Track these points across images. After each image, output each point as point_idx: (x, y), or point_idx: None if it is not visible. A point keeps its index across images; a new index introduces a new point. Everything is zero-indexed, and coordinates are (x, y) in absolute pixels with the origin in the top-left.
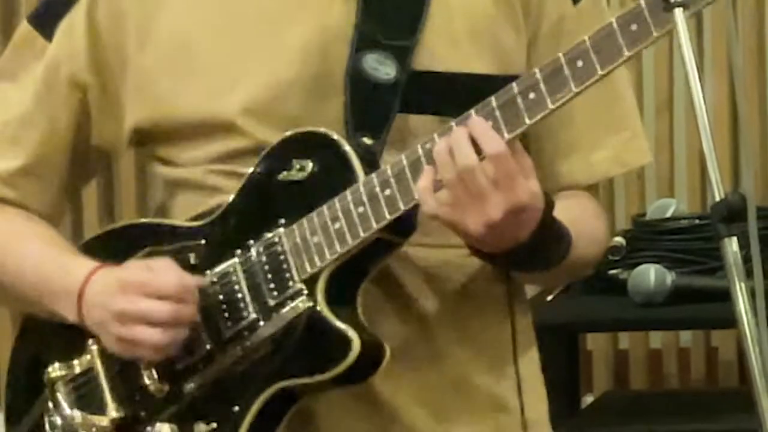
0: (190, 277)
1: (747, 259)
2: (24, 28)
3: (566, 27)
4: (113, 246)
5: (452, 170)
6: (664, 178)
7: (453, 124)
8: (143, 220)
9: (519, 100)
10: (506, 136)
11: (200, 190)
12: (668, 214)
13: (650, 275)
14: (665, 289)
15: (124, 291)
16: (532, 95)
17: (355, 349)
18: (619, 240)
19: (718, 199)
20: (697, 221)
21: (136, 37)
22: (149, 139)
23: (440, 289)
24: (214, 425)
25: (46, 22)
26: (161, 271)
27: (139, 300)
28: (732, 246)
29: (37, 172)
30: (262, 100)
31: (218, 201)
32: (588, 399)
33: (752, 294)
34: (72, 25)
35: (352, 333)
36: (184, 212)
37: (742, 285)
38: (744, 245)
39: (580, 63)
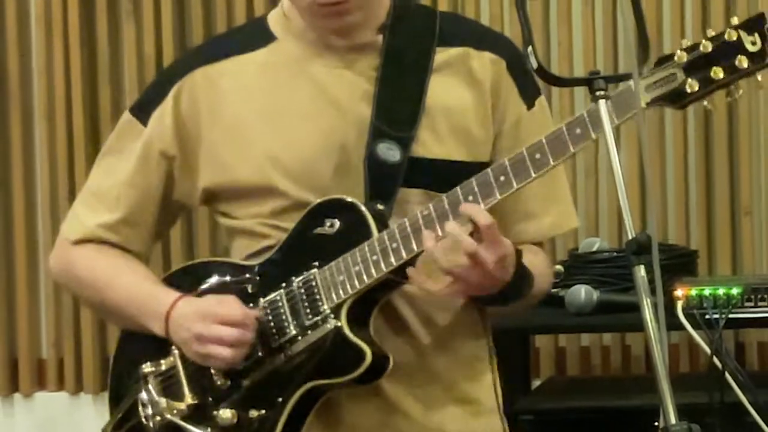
0: (250, 310)
1: (651, 281)
2: (126, 117)
3: (522, 125)
4: (189, 277)
5: (462, 254)
6: (591, 221)
7: (445, 204)
8: (211, 258)
9: (492, 181)
10: (483, 207)
11: (251, 237)
12: (594, 248)
13: (581, 293)
14: (592, 303)
15: (202, 318)
16: (502, 178)
17: (367, 359)
18: (558, 267)
19: (630, 237)
20: (615, 254)
21: (208, 120)
22: (214, 198)
23: (429, 317)
24: (263, 411)
25: (142, 112)
26: (231, 305)
27: (213, 326)
28: (640, 272)
29: (134, 221)
30: (298, 171)
31: (265, 245)
32: (536, 382)
33: (654, 307)
34: (162, 114)
35: (365, 347)
36: (240, 252)
37: (648, 300)
38: (649, 271)
39: (537, 155)
